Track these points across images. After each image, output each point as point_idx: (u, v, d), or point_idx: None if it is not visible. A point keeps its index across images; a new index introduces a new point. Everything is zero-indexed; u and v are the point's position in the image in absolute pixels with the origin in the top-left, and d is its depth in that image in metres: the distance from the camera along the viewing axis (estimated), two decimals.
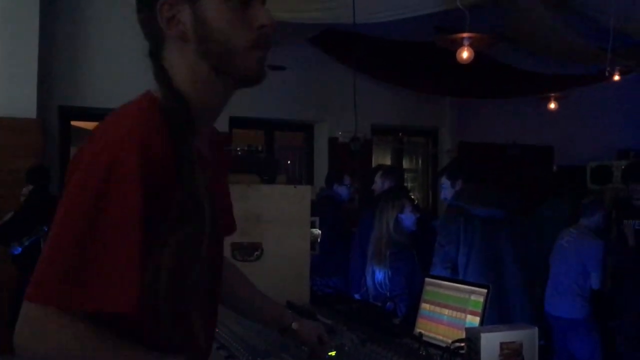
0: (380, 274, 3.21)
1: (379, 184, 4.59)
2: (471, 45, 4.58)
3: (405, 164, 8.22)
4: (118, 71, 5.81)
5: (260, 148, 2.38)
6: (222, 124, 6.41)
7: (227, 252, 2.31)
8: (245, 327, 1.89)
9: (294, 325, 1.54)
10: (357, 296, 3.36)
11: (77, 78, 6.05)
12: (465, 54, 4.59)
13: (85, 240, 0.92)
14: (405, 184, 6.73)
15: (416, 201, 5.20)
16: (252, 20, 1.06)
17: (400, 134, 8.00)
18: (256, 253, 2.23)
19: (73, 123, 6.50)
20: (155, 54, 1.09)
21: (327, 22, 5.04)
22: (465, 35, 4.52)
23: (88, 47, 6.06)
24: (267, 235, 2.28)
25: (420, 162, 8.38)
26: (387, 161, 8.01)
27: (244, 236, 2.24)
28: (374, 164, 7.50)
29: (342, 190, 5.09)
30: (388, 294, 3.08)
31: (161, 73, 1.06)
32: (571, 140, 8.47)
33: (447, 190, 3.61)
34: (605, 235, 4.69)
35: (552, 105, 7.75)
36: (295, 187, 2.39)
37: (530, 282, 3.50)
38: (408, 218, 3.41)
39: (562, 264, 4.40)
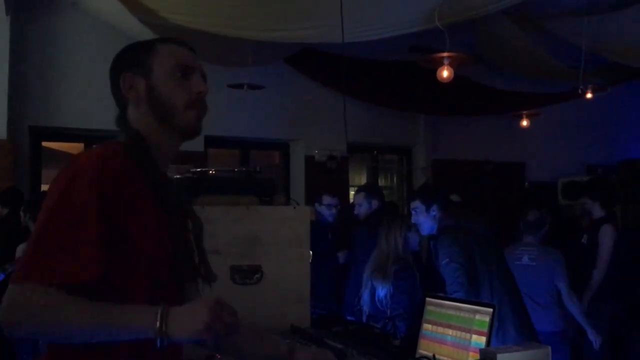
0: (382, 291, 3.18)
1: (365, 204, 4.56)
2: (451, 65, 4.64)
3: (380, 181, 8.25)
4: (90, 91, 5.72)
5: (258, 169, 2.35)
6: (197, 143, 6.36)
7: (226, 275, 2.27)
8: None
9: (293, 357, 1.50)
10: (350, 318, 3.31)
11: (48, 98, 5.91)
12: (445, 73, 4.65)
13: (52, 231, 1.19)
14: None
15: None
16: (191, 88, 1.39)
17: (375, 151, 8.04)
18: (256, 276, 2.18)
19: (44, 144, 6.35)
20: (121, 110, 1.43)
21: (314, 42, 5.05)
22: (445, 54, 4.58)
23: (59, 66, 5.93)
24: (267, 258, 2.23)
25: (395, 179, 8.42)
26: (363, 179, 8.03)
27: (243, 259, 2.19)
28: (350, 182, 7.52)
29: (323, 211, 5.05)
30: (389, 312, 3.04)
31: (122, 120, 1.42)
32: (542, 157, 8.63)
33: (420, 214, 3.42)
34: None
35: (525, 123, 7.89)
36: (294, 207, 2.36)
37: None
38: (414, 237, 3.39)
39: (529, 282, 4.38)
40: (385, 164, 8.37)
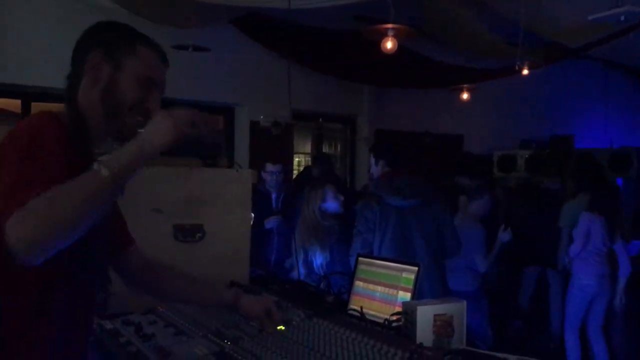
0: (319, 259, 3.36)
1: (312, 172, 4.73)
2: (395, 37, 4.75)
3: (325, 149, 8.38)
4: (29, 47, 5.57)
5: None
6: None
7: (169, 233, 2.35)
8: (196, 308, 1.94)
9: (234, 302, 1.65)
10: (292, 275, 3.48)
11: None
12: (389, 45, 4.76)
13: (25, 169, 1.23)
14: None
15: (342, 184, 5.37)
16: (147, 102, 1.42)
17: (319, 120, 8.15)
18: (198, 234, 2.27)
19: None
20: (73, 80, 1.44)
21: (261, 6, 5.04)
22: (389, 26, 4.68)
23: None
24: (209, 218, 2.32)
25: (339, 148, 8.58)
26: (308, 147, 8.14)
27: (185, 218, 2.27)
28: (295, 150, 7.62)
29: (266, 177, 5.13)
30: (322, 273, 3.22)
31: (71, 91, 1.43)
32: (480, 130, 8.94)
33: (372, 167, 3.91)
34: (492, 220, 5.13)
35: (465, 96, 8.14)
36: (237, 170, 2.45)
37: (437, 261, 3.75)
38: (331, 206, 3.58)
39: None
40: (330, 133, 8.50)
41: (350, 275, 3.34)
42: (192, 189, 2.31)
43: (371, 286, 2.28)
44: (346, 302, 2.27)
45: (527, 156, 8.32)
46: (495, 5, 6.11)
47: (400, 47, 4.98)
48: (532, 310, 6.04)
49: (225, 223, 2.35)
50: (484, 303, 4.85)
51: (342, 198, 3.72)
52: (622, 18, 4.23)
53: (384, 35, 4.74)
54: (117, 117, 1.41)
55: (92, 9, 5.88)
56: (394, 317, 1.85)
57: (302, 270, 3.45)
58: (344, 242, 3.51)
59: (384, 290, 2.22)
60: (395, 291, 2.17)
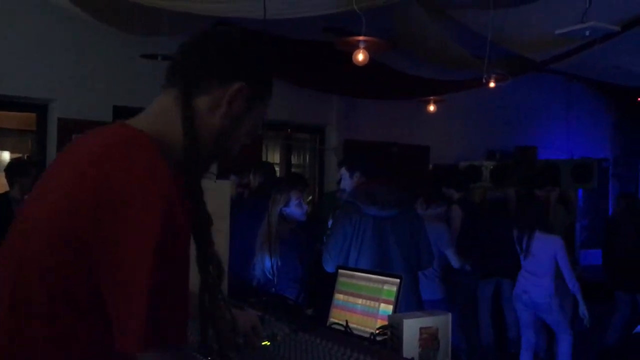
0: (268, 262, 3.37)
1: (252, 180, 4.74)
2: (366, 49, 4.77)
3: (293, 159, 8.37)
4: None
5: None
6: (105, 113, 6.19)
7: None
8: None
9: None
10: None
11: None
12: (360, 57, 4.78)
13: (159, 283, 1.02)
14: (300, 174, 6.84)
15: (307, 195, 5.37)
16: (243, 142, 1.31)
17: (288, 129, 8.13)
18: None
19: None
20: (188, 89, 1.20)
21: (236, 16, 5.02)
22: (361, 38, 4.70)
23: None
24: None
25: (307, 158, 8.57)
26: (277, 156, 8.11)
27: None
28: (264, 159, 7.58)
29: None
30: (275, 280, 3.25)
31: (190, 119, 1.19)
32: (446, 141, 9.05)
33: (346, 180, 3.86)
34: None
35: (432, 108, 8.23)
36: (215, 181, 2.40)
37: (411, 271, 3.76)
38: (293, 212, 3.58)
39: None
40: (299, 142, 8.49)
41: (298, 283, 3.41)
42: None
43: (352, 299, 2.27)
44: (326, 315, 2.26)
45: (492, 167, 8.45)
46: (463, 19, 6.21)
47: (369, 59, 5.00)
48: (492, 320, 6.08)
49: None
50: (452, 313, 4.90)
51: (305, 207, 3.71)
52: (587, 33, 4.35)
53: (355, 47, 4.76)
54: (221, 152, 1.27)
55: (58, 16, 5.78)
56: (380, 331, 1.83)
57: (257, 273, 3.45)
58: (295, 250, 3.50)
59: (365, 302, 2.20)
60: (376, 303, 2.16)
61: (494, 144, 9.38)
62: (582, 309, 4.69)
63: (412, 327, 1.76)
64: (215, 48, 1.23)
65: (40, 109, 6.33)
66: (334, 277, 2.35)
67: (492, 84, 6.13)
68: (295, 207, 3.63)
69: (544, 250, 4.78)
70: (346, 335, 1.88)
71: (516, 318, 5.40)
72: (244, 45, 1.26)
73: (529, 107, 9.88)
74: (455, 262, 4.76)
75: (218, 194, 2.35)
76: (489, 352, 5.87)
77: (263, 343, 1.69)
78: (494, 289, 5.95)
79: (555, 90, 10.19)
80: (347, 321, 1.99)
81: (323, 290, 3.94)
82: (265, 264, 3.45)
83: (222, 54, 1.22)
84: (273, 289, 3.31)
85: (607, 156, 10.57)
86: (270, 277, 3.42)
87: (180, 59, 1.24)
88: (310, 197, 7.48)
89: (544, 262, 4.78)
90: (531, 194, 6.42)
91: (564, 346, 4.86)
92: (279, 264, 3.40)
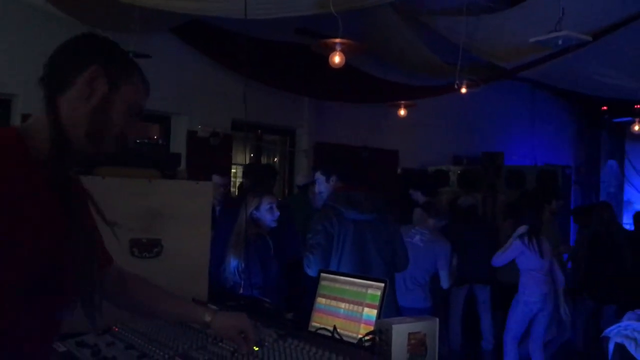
0: (233, 263, 3.34)
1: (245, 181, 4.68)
2: (343, 51, 4.76)
3: (263, 160, 8.30)
4: None
5: (160, 141, 2.30)
6: None
7: (125, 248, 2.22)
8: (158, 328, 1.84)
9: (210, 320, 1.57)
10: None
11: None
12: (337, 59, 4.77)
13: None
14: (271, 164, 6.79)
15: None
16: (130, 127, 1.40)
17: (259, 131, 8.06)
18: (155, 249, 2.15)
19: None
20: (54, 88, 1.32)
21: (217, 15, 4.95)
22: (338, 40, 4.69)
23: None
24: (168, 232, 2.21)
25: (277, 159, 8.51)
26: (247, 158, 8.03)
27: (143, 232, 2.15)
28: (233, 161, 7.50)
29: None
30: (242, 283, 3.23)
31: (52, 105, 1.31)
32: (414, 146, 9.12)
33: (322, 184, 3.85)
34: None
35: (402, 112, 8.27)
36: (197, 182, 2.35)
37: (389, 274, 3.76)
38: (263, 216, 3.55)
39: (414, 260, 4.75)
40: (269, 144, 8.43)
41: (259, 290, 3.38)
42: (151, 202, 2.19)
43: (334, 303, 2.24)
44: (306, 320, 2.22)
45: (459, 172, 8.55)
46: (434, 24, 6.27)
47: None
48: (464, 326, 6.14)
49: (185, 238, 2.24)
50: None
51: (277, 214, 3.67)
52: (560, 42, 4.44)
53: (332, 49, 4.75)
54: (100, 137, 1.35)
55: (23, 7, 5.61)
56: (368, 337, 1.81)
57: (228, 275, 3.41)
58: (257, 255, 3.46)
59: (348, 307, 2.18)
60: (360, 308, 2.14)
61: (460, 149, 9.49)
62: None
63: (401, 332, 1.74)
64: (65, 46, 1.35)
65: (2, 104, 6.13)
66: (316, 280, 2.31)
67: (463, 90, 6.20)
68: (266, 212, 3.60)
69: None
70: (334, 340, 1.85)
71: (491, 324, 5.48)
72: (91, 36, 1.39)
73: (496, 114, 10.04)
74: (445, 283, 4.76)
75: (199, 196, 2.30)
76: (456, 357, 5.92)
77: (255, 348, 1.64)
78: (466, 295, 6.01)
79: (521, 98, 10.38)
80: (335, 326, 1.96)
81: (299, 294, 3.94)
82: (231, 265, 3.42)
83: (72, 47, 1.35)
84: (240, 291, 3.29)
85: (569, 164, 10.82)
86: (237, 279, 3.39)
87: (44, 69, 1.35)
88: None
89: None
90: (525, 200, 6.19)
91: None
92: (242, 267, 3.37)
